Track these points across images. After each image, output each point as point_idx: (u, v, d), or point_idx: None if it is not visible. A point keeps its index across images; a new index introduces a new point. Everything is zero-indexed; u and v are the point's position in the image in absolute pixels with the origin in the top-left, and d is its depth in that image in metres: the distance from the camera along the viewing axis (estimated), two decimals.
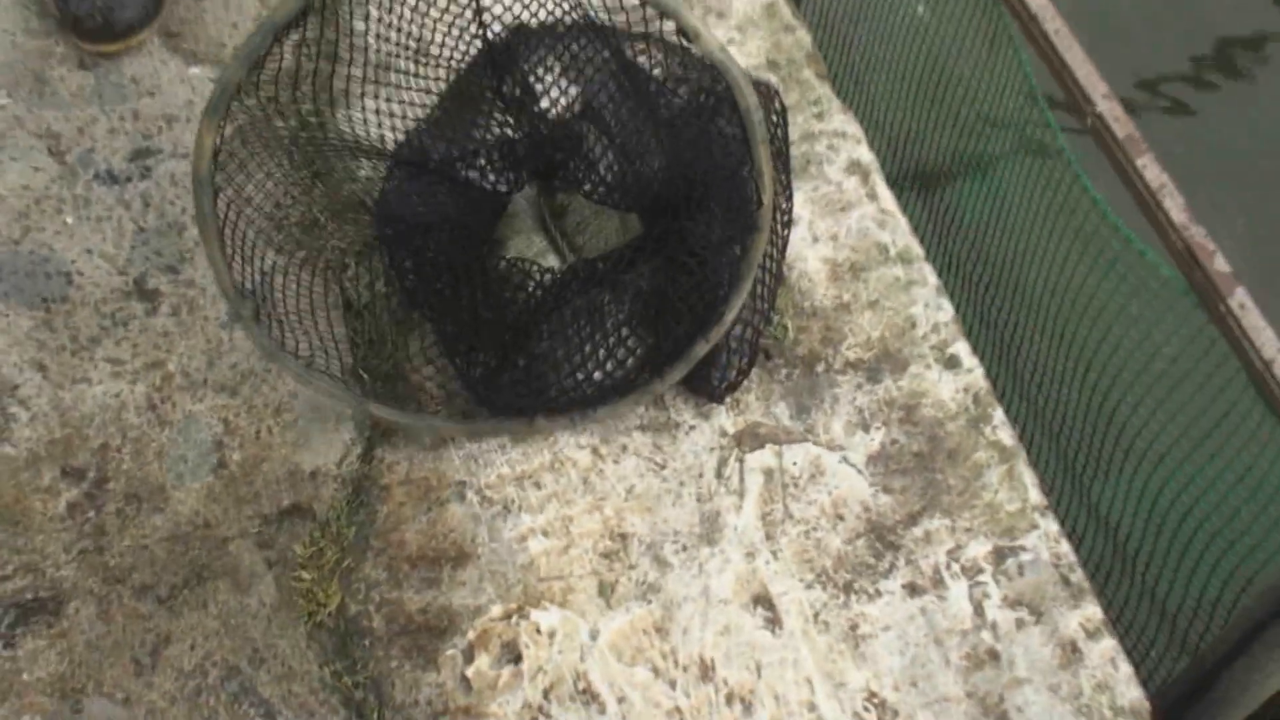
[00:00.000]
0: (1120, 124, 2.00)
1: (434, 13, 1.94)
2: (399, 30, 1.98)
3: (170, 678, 1.63)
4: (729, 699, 1.68)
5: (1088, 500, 2.13)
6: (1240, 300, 1.84)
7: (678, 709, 1.66)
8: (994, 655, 1.74)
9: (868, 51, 2.55)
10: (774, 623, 1.73)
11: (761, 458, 1.85)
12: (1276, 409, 1.78)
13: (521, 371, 1.79)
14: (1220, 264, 1.87)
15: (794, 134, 2.11)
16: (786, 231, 1.96)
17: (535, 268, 1.82)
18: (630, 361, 1.80)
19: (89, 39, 2.07)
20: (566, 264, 1.92)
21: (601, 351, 1.78)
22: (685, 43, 1.54)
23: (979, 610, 1.77)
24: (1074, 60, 2.07)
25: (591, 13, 1.89)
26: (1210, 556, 1.93)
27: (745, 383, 1.89)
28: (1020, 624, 1.76)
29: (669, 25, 1.68)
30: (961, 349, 1.96)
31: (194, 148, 1.56)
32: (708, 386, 1.87)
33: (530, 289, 1.81)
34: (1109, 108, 2.01)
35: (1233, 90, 3.51)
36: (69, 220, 1.94)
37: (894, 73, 2.49)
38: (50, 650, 1.64)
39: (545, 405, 1.79)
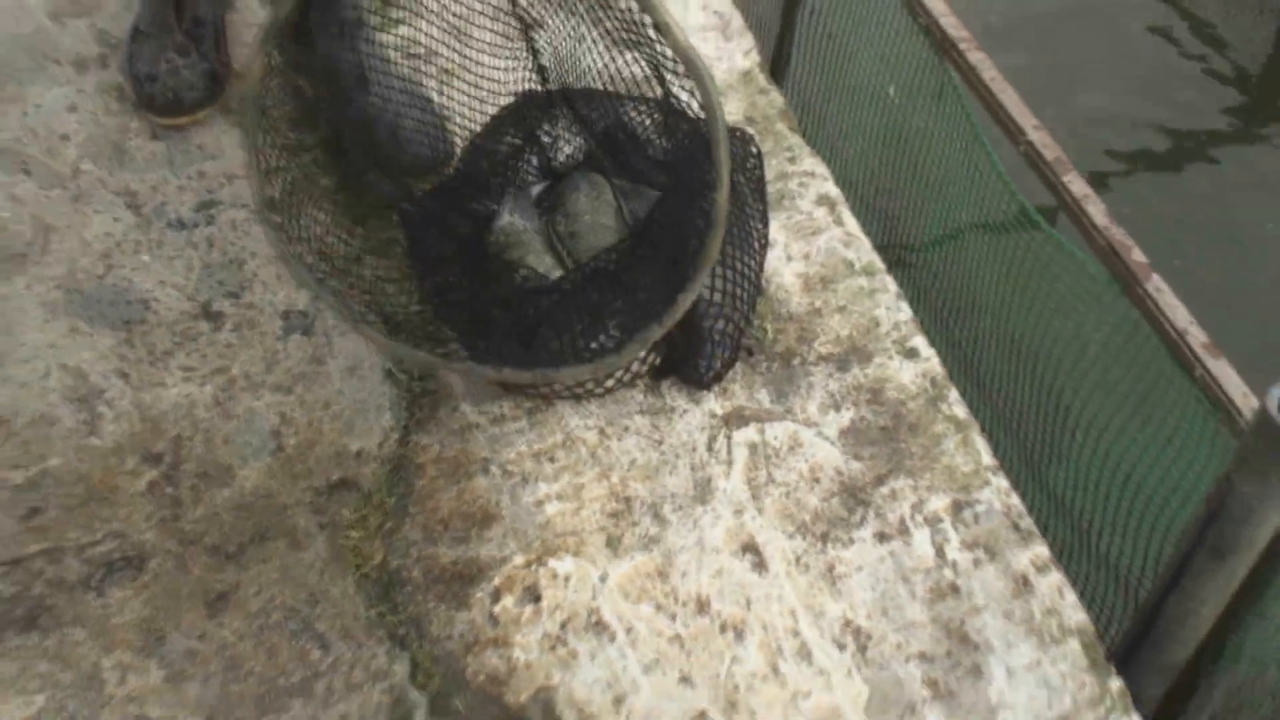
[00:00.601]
0: (1049, 149, 2.32)
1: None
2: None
3: (239, 618, 1.89)
4: (723, 628, 1.93)
5: (1045, 486, 2.39)
6: (1156, 284, 2.14)
7: (678, 636, 1.91)
8: (954, 589, 1.99)
9: (840, 121, 2.89)
10: (760, 566, 1.99)
11: (746, 434, 2.13)
12: (1191, 371, 2.06)
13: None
14: (1138, 255, 2.17)
15: (770, 174, 2.43)
16: (764, 253, 2.27)
17: (545, 278, 2.13)
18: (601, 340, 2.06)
19: (161, 113, 2.42)
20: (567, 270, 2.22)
21: (581, 335, 2.05)
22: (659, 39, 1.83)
23: (940, 552, 2.02)
24: (1008, 101, 2.40)
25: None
26: (1150, 516, 2.18)
27: (730, 374, 2.18)
28: (977, 562, 2.01)
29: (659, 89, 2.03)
30: (919, 342, 2.24)
31: (247, 72, 1.88)
32: (696, 375, 2.15)
33: (540, 293, 2.11)
34: (1039, 136, 2.34)
35: None
36: (145, 259, 2.26)
37: (862, 136, 2.82)
38: (135, 599, 1.90)
39: (516, 362, 2.02)
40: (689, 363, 2.14)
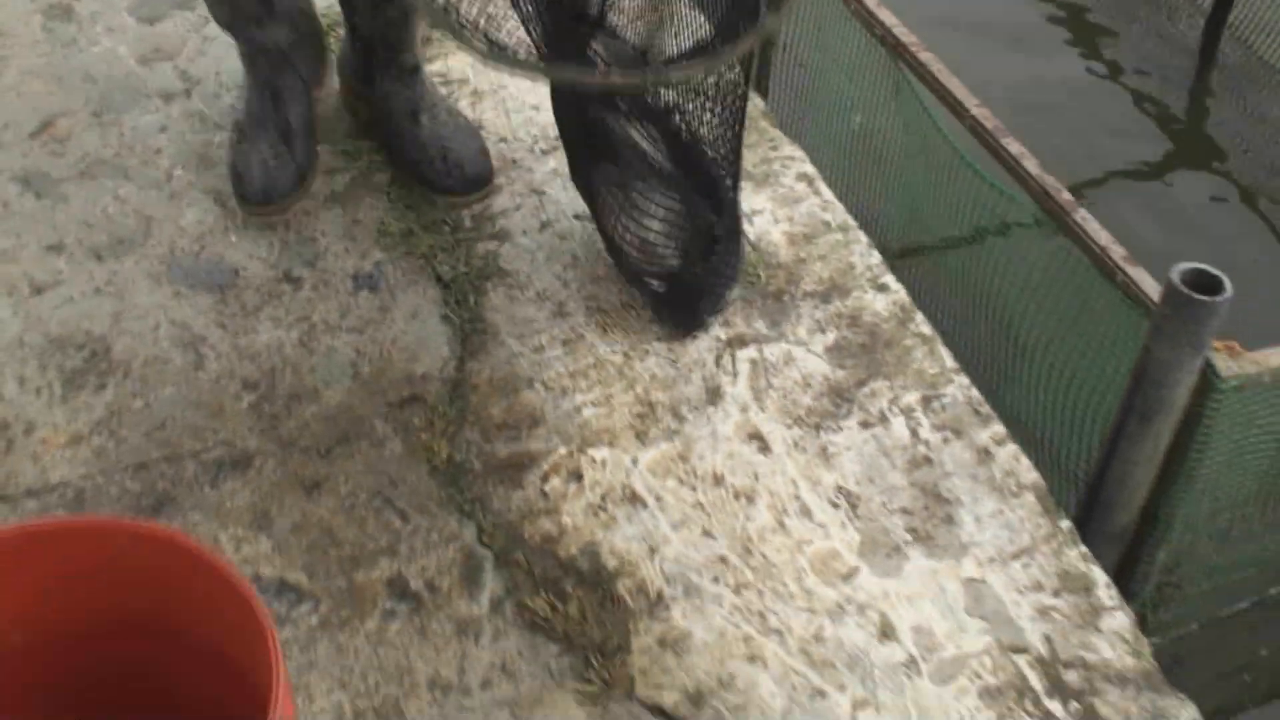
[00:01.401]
0: (989, 120, 2.76)
1: None
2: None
3: (332, 500, 2.27)
4: (736, 495, 2.31)
5: (1003, 409, 2.77)
6: (1083, 215, 2.56)
7: (699, 503, 2.29)
8: (928, 460, 2.37)
9: (815, 134, 3.35)
10: (765, 449, 2.38)
11: (748, 352, 2.53)
12: (1113, 278, 2.47)
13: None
14: (1066, 196, 2.60)
15: (756, 159, 2.88)
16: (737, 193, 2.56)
17: None
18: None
19: (251, 203, 2.69)
20: None
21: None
22: None
23: (915, 434, 2.41)
24: (953, 86, 2.85)
25: None
26: (1090, 412, 2.58)
27: (730, 310, 2.59)
28: (946, 440, 2.40)
29: None
30: (889, 279, 2.66)
31: None
32: (690, 319, 2.53)
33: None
34: (980, 112, 2.79)
35: None
36: (233, 239, 2.68)
37: (834, 145, 3.28)
38: (244, 489, 2.28)
39: (623, 64, 2.13)
40: (690, 306, 2.52)
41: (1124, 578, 2.59)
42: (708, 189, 2.41)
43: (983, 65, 3.90)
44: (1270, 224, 4.16)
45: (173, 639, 1.65)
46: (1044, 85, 4.47)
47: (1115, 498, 2.46)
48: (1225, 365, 2.31)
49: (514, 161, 2.90)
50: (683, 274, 2.51)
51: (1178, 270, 2.22)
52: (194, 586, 1.57)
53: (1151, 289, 2.43)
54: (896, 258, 3.14)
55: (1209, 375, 2.30)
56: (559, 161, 2.82)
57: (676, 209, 2.42)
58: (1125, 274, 2.44)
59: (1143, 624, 2.56)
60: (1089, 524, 2.51)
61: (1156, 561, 2.54)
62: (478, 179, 2.81)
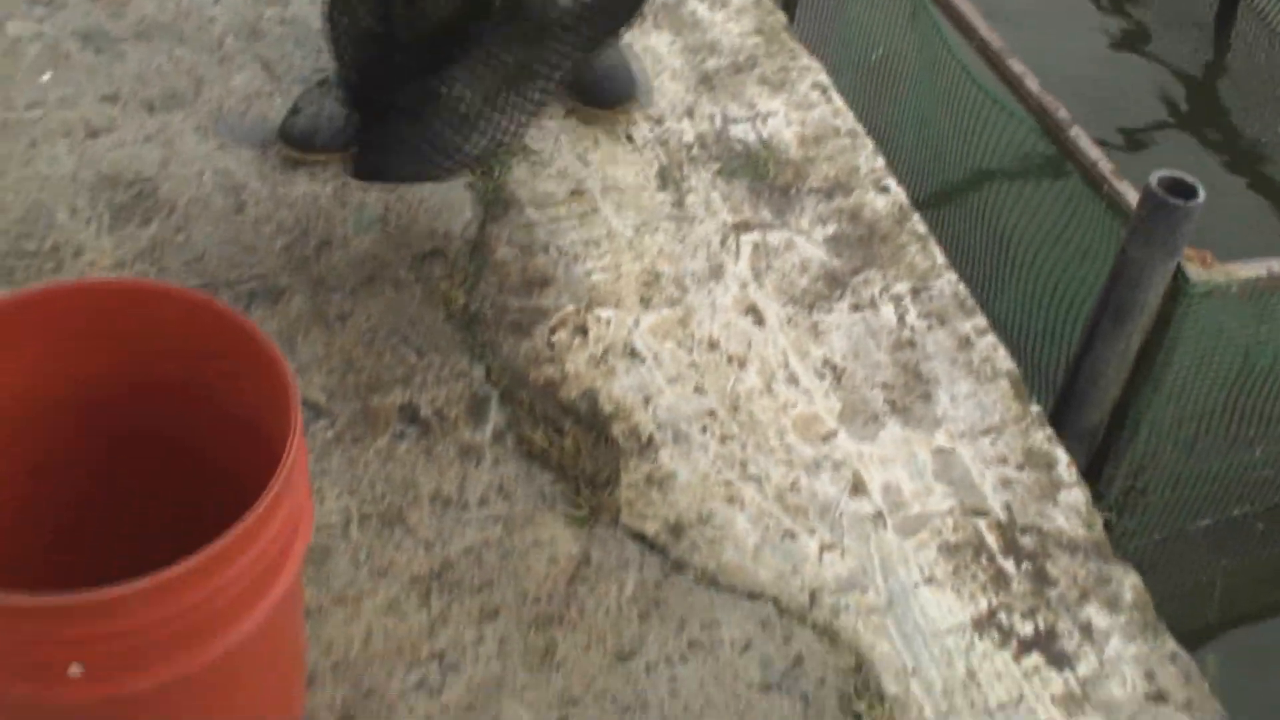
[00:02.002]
0: (995, 41, 2.92)
1: None
2: None
3: (354, 332, 2.44)
4: (729, 360, 2.47)
5: (993, 317, 2.93)
6: (1076, 132, 2.72)
7: (694, 363, 2.46)
8: (911, 343, 2.53)
9: (835, 58, 3.51)
10: (760, 322, 2.54)
11: (751, 237, 2.69)
12: (1099, 189, 2.63)
13: None
14: (1063, 113, 2.76)
15: (775, 67, 3.04)
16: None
17: None
18: None
19: (291, 143, 2.73)
20: None
21: None
22: None
23: (901, 319, 2.57)
24: (965, 9, 3.01)
25: None
26: (1072, 320, 2.73)
27: (739, 195, 2.75)
28: (930, 327, 2.56)
29: None
30: (890, 182, 2.82)
31: None
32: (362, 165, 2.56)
33: None
34: (989, 35, 2.94)
35: None
36: (277, 101, 2.85)
37: (852, 69, 3.44)
38: (273, 318, 2.45)
39: None
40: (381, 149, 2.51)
41: (1092, 478, 2.74)
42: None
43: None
44: (1269, 176, 4.31)
45: (201, 403, 1.81)
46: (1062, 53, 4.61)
47: (1088, 395, 2.61)
48: (1196, 272, 2.46)
49: None
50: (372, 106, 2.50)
51: (1156, 176, 2.38)
52: (223, 349, 1.73)
53: (1135, 199, 2.57)
54: (906, 172, 3.29)
55: (1180, 280, 2.45)
56: None
57: (372, 26, 2.36)
58: (1111, 186, 2.59)
59: (1108, 529, 2.71)
60: (1062, 422, 2.66)
61: (1124, 464, 2.69)
62: None
